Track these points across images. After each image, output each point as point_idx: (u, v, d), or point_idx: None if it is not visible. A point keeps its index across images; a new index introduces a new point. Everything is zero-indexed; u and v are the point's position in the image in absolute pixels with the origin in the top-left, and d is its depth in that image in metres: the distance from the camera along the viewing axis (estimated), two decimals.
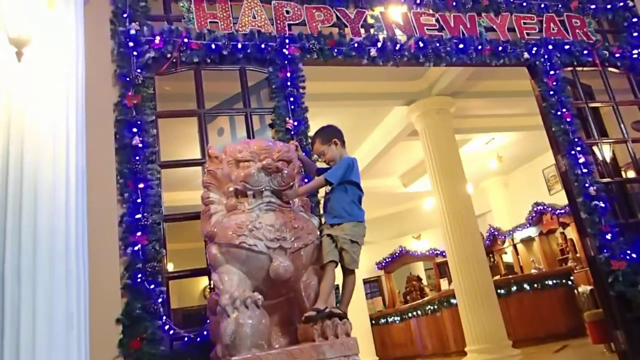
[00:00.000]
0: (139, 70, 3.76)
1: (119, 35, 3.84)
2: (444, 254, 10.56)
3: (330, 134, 3.39)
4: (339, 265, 3.09)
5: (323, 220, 3.28)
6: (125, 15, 3.90)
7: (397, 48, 4.51)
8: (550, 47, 5.01)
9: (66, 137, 2.62)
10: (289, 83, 4.08)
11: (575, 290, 8.06)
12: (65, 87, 2.71)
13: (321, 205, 3.54)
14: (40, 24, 2.68)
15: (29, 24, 2.62)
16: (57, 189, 2.49)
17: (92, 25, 3.38)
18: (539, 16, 5.21)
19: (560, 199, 9.72)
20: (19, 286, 2.28)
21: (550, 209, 11.08)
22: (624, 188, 5.09)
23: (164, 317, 3.32)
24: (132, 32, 3.83)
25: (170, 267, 3.92)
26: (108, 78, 3.76)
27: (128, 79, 3.72)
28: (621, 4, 5.48)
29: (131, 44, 3.82)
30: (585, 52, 5.11)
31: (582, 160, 4.62)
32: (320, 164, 3.54)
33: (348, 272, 3.10)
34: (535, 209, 11.50)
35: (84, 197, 2.70)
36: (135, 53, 3.80)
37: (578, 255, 9.95)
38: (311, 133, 3.94)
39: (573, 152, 4.66)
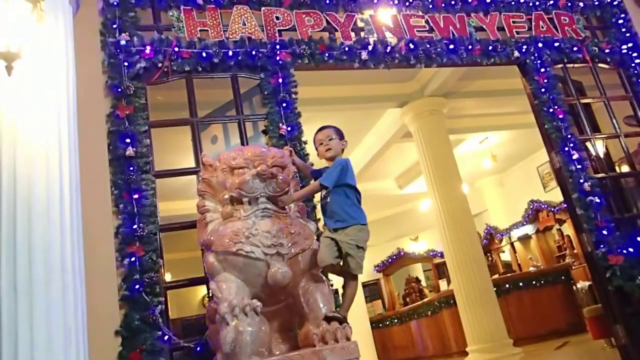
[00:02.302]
0: (130, 81, 3.75)
1: (109, 46, 3.83)
2: (442, 254, 10.56)
3: (343, 135, 3.39)
4: (340, 270, 3.09)
5: (321, 224, 3.26)
6: (114, 26, 3.89)
7: (387, 50, 4.53)
8: (540, 44, 5.03)
9: (59, 149, 2.61)
10: (281, 89, 4.08)
11: (574, 287, 8.08)
12: (56, 100, 2.70)
13: (317, 210, 3.53)
14: (30, 37, 2.67)
15: (18, 37, 2.61)
16: (51, 202, 2.47)
17: (82, 37, 3.37)
18: (528, 14, 5.24)
19: (555, 195, 9.74)
20: (16, 301, 2.26)
21: (546, 206, 11.10)
22: (618, 183, 5.11)
23: (163, 328, 3.30)
24: (122, 42, 3.83)
25: (167, 277, 3.90)
26: (99, 89, 3.74)
27: (119, 89, 3.71)
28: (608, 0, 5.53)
29: (122, 54, 3.81)
30: (575, 48, 5.15)
31: (575, 156, 4.64)
32: (316, 167, 3.54)
33: (351, 278, 3.08)
34: (531, 207, 11.53)
35: (78, 209, 2.68)
36: (126, 63, 3.79)
37: (575, 251, 9.97)
38: (305, 138, 3.96)
39: (566, 148, 4.67)
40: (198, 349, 3.33)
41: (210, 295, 3.08)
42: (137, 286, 3.30)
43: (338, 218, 3.07)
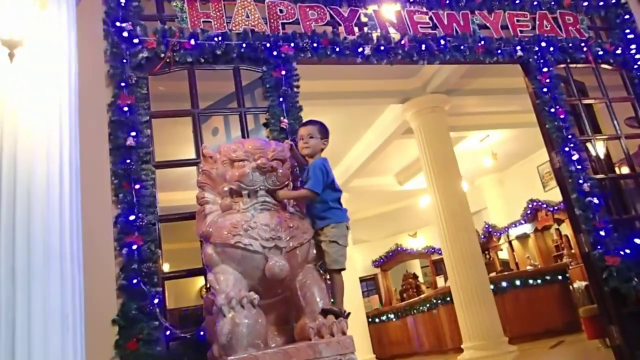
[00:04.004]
0: (132, 70, 3.75)
1: (111, 35, 3.82)
2: (440, 251, 10.59)
3: (327, 134, 3.40)
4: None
5: None
6: (118, 15, 3.88)
7: (391, 46, 4.52)
8: (543, 44, 5.02)
9: (60, 138, 2.61)
10: (283, 82, 4.08)
11: (571, 286, 8.11)
12: (58, 88, 2.69)
13: None
14: (33, 25, 2.66)
15: (21, 25, 2.60)
16: (51, 191, 2.48)
17: (85, 25, 3.36)
18: (532, 13, 5.22)
19: (554, 195, 9.75)
20: (14, 288, 2.27)
21: (545, 205, 11.11)
22: (617, 184, 5.11)
23: (161, 318, 3.31)
24: (125, 32, 3.82)
25: (166, 267, 3.91)
26: (101, 78, 3.74)
27: (121, 79, 3.71)
28: (613, 0, 5.50)
29: (124, 44, 3.80)
30: (578, 49, 5.13)
31: (575, 156, 4.64)
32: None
33: (332, 273, 3.13)
34: (530, 206, 11.54)
35: (78, 198, 2.69)
36: (128, 53, 3.79)
37: (573, 251, 9.99)
38: None
39: (567, 148, 4.67)
40: (195, 339, 3.34)
41: (208, 286, 3.09)
42: (135, 276, 3.31)
43: (315, 219, 3.20)
